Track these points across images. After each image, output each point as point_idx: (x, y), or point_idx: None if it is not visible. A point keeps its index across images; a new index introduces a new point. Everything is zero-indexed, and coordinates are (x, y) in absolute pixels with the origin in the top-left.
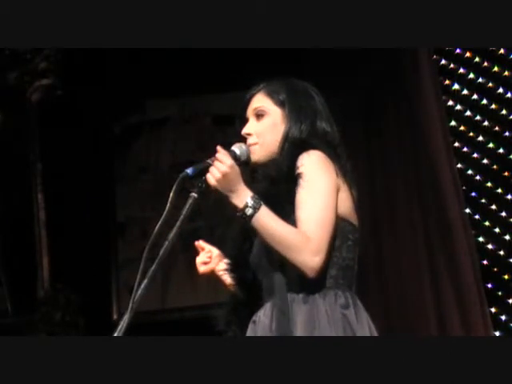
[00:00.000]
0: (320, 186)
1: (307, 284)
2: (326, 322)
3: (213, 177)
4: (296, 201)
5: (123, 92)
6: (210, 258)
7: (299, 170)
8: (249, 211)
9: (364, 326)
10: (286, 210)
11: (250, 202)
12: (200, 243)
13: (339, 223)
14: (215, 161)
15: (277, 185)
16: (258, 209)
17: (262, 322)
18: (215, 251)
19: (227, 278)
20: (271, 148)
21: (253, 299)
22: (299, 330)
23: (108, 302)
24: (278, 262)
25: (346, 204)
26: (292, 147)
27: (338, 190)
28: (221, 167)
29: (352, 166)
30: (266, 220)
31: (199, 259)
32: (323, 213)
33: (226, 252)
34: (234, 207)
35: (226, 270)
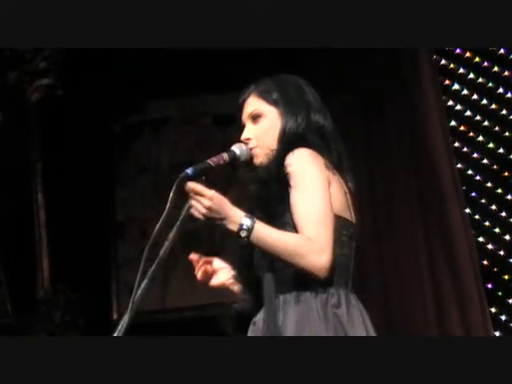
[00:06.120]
0: (311, 185)
1: (299, 282)
2: (318, 322)
3: (198, 212)
4: (291, 203)
5: (123, 92)
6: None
7: (287, 170)
8: (243, 233)
9: (356, 325)
10: (277, 210)
11: (245, 224)
12: (213, 260)
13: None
14: (194, 195)
15: (267, 186)
16: (253, 227)
17: (259, 323)
18: (226, 271)
19: (236, 287)
20: (272, 148)
21: (259, 301)
22: (289, 331)
23: (108, 301)
24: (269, 263)
25: (338, 199)
26: (284, 145)
27: (329, 184)
28: (202, 201)
29: (351, 159)
30: (263, 234)
31: (216, 280)
32: (319, 211)
33: (230, 256)
34: (231, 232)
35: (235, 277)
